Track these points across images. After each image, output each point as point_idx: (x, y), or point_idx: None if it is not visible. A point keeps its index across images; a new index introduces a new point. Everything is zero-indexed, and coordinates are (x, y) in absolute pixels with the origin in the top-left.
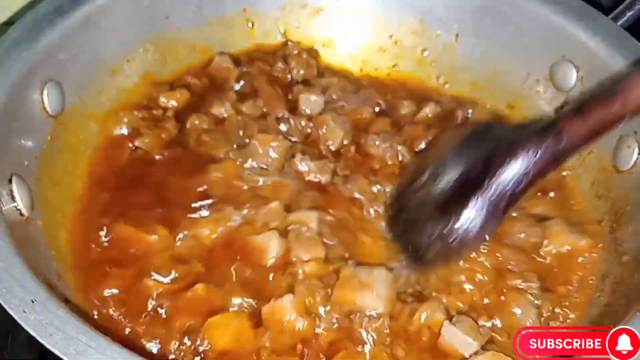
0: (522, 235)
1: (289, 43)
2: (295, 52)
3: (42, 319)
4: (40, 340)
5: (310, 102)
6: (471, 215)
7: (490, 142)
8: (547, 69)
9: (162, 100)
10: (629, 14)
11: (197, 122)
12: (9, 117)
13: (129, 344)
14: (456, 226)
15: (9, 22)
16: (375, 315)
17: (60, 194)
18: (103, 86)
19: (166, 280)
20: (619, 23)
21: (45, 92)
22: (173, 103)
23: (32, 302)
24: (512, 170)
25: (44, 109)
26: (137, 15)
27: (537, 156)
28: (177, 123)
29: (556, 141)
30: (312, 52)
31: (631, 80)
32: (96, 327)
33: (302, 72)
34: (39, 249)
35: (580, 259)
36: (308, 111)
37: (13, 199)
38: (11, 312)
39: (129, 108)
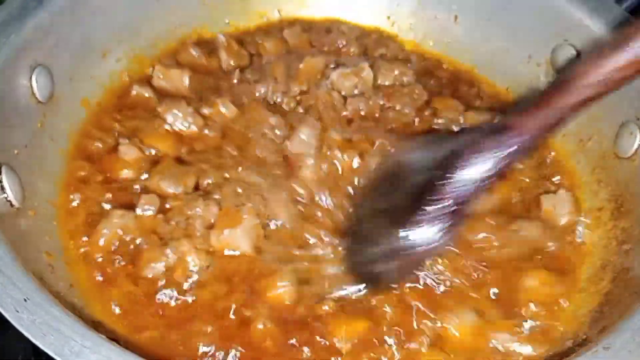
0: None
1: (219, 35)
2: (225, 43)
3: (35, 318)
4: (34, 341)
5: None
6: (431, 227)
7: (443, 152)
8: (549, 52)
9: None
10: None
11: None
12: None
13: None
14: (417, 240)
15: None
16: None
17: (52, 183)
18: (94, 70)
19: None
20: (624, 6)
21: (34, 78)
22: None
23: (25, 300)
24: (467, 176)
25: (33, 95)
26: None
27: (489, 159)
28: None
29: (507, 141)
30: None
31: (580, 69)
32: (91, 323)
33: (232, 62)
34: (30, 240)
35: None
36: None
37: (3, 189)
38: (3, 312)
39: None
